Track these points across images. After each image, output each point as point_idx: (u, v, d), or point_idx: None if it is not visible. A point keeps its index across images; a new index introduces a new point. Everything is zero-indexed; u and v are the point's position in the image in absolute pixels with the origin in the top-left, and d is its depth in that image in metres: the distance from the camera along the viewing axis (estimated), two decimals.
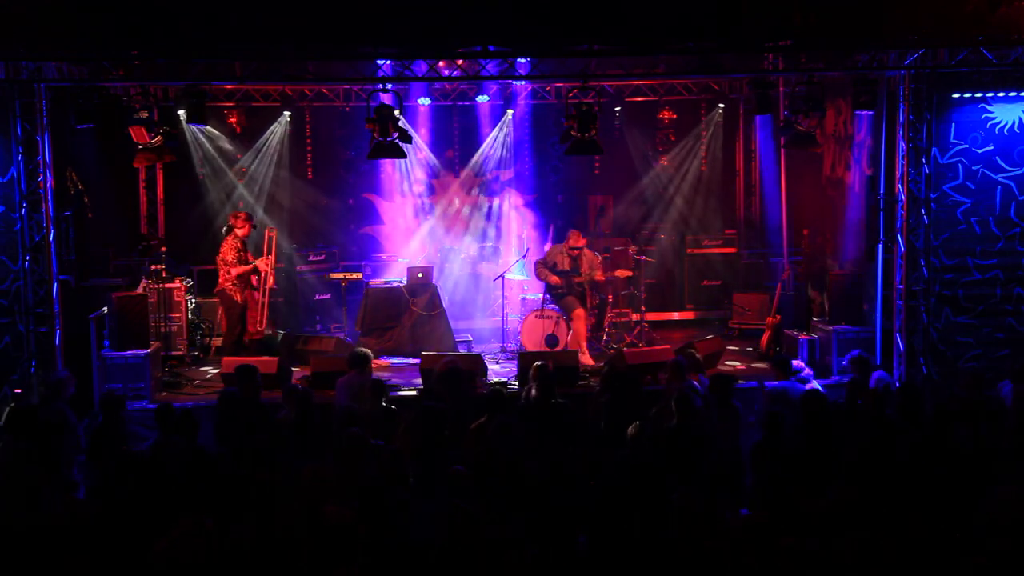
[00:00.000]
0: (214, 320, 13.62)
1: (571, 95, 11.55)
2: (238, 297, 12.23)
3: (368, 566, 5.48)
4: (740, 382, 10.39)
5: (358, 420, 7.96)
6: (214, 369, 12.19)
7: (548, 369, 8.95)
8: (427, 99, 14.89)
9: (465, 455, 7.62)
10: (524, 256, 14.34)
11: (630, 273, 13.42)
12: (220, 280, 12.32)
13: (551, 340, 12.54)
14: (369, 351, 9.98)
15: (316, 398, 8.80)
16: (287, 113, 15.01)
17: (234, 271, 12.17)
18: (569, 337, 12.50)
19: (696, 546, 5.44)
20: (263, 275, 12.45)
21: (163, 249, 13.07)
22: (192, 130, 14.24)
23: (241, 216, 12.39)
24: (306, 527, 5.73)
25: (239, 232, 12.25)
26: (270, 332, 12.75)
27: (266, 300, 12.55)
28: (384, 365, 12.38)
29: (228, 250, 12.21)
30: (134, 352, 11.08)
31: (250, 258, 12.37)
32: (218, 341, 13.04)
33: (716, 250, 15.31)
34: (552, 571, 5.59)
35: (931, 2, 10.39)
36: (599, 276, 12.66)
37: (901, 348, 11.30)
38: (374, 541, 5.64)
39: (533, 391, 8.87)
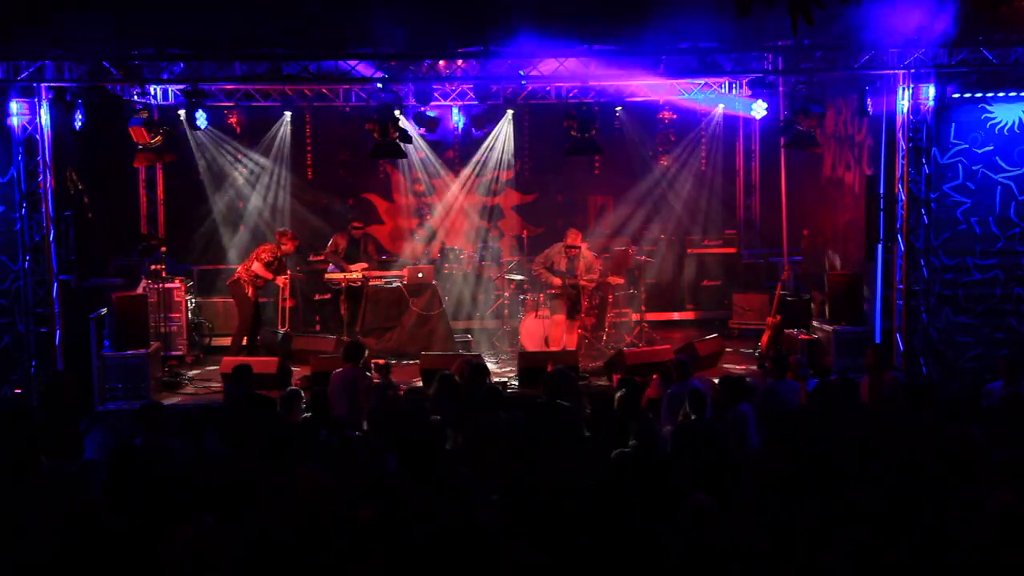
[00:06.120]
0: (214, 320, 13.67)
1: (571, 95, 11.55)
2: (249, 291, 12.35)
3: (375, 564, 5.49)
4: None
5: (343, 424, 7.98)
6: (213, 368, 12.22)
7: (556, 371, 8.93)
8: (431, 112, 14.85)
9: (466, 454, 7.62)
10: (524, 256, 14.34)
11: (622, 280, 13.42)
12: (238, 271, 12.62)
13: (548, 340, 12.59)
14: (363, 343, 9.99)
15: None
16: (287, 113, 15.01)
17: (255, 266, 12.45)
18: (556, 335, 12.53)
19: (702, 547, 5.43)
20: (281, 288, 12.84)
21: (163, 249, 13.10)
22: (192, 130, 14.24)
23: (288, 235, 12.87)
24: (305, 528, 5.74)
25: (283, 247, 12.71)
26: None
27: (286, 305, 12.88)
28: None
29: (266, 251, 12.63)
30: (134, 352, 11.08)
31: (269, 275, 12.62)
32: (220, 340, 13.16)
33: (716, 250, 15.29)
34: (553, 570, 5.58)
35: (931, 2, 10.39)
36: (583, 282, 12.63)
37: (901, 348, 11.30)
38: (382, 540, 5.65)
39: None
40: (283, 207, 15.30)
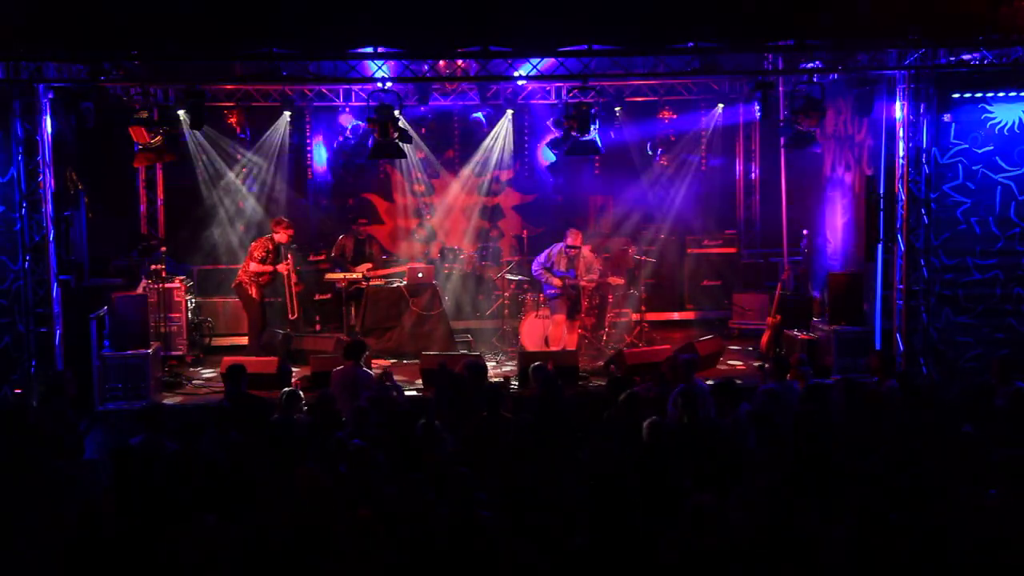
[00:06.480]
0: (215, 320, 13.66)
1: (571, 95, 11.54)
2: (253, 292, 12.33)
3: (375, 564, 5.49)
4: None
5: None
6: (214, 369, 12.21)
7: (549, 370, 8.93)
8: (424, 110, 14.86)
9: (466, 454, 7.62)
10: (524, 256, 14.34)
11: (622, 281, 13.42)
12: (239, 273, 12.54)
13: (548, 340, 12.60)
14: (364, 342, 9.99)
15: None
16: (287, 113, 15.01)
17: (252, 266, 12.35)
18: (557, 335, 12.54)
19: (702, 547, 5.43)
20: (287, 275, 12.67)
21: (163, 249, 13.10)
22: (192, 130, 14.22)
23: (283, 223, 12.61)
24: (305, 528, 5.74)
25: (276, 237, 12.49)
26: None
27: (295, 291, 12.82)
28: (384, 365, 12.38)
29: (258, 247, 12.47)
30: (134, 352, 11.06)
31: (269, 268, 12.47)
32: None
33: (716, 250, 15.29)
34: (553, 571, 5.58)
35: (931, 2, 10.39)
36: (583, 283, 12.63)
37: (901, 348, 11.30)
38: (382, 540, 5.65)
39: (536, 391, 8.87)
40: (282, 207, 15.28)
